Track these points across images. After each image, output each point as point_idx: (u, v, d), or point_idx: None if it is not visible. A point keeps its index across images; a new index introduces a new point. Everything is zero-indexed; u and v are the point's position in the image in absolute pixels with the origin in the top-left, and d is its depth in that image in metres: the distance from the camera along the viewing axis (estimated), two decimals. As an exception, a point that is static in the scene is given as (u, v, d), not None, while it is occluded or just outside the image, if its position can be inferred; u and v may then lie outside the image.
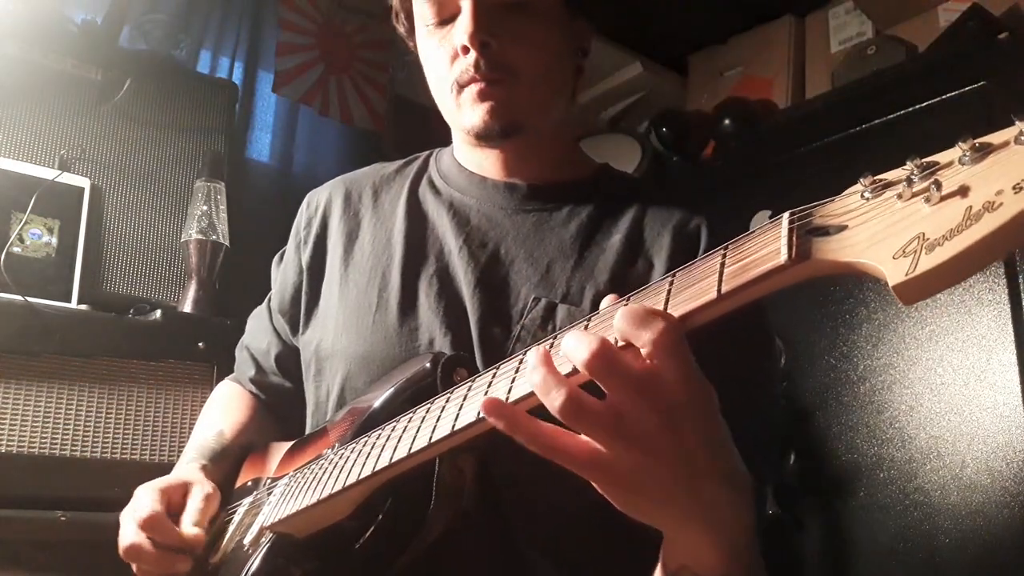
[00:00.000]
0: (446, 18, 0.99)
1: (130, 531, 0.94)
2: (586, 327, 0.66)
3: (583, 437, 0.59)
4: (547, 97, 1.02)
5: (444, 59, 0.99)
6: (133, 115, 1.87)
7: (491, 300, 0.97)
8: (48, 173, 1.71)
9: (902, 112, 1.77)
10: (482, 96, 0.96)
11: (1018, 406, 1.50)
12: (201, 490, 0.99)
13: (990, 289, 1.58)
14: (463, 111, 0.99)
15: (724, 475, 0.61)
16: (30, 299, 1.55)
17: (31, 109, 1.75)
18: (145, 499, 0.95)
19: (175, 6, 2.18)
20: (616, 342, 0.59)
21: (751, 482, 0.64)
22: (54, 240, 1.70)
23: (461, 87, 0.98)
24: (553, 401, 0.58)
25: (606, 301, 0.65)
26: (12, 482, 1.48)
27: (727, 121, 2.17)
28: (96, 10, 1.94)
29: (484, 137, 0.99)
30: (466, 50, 0.95)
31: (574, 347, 0.58)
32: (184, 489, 0.99)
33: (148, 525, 0.92)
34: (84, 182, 1.77)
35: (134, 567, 0.95)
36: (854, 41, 2.23)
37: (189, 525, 0.94)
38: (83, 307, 1.68)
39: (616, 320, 0.58)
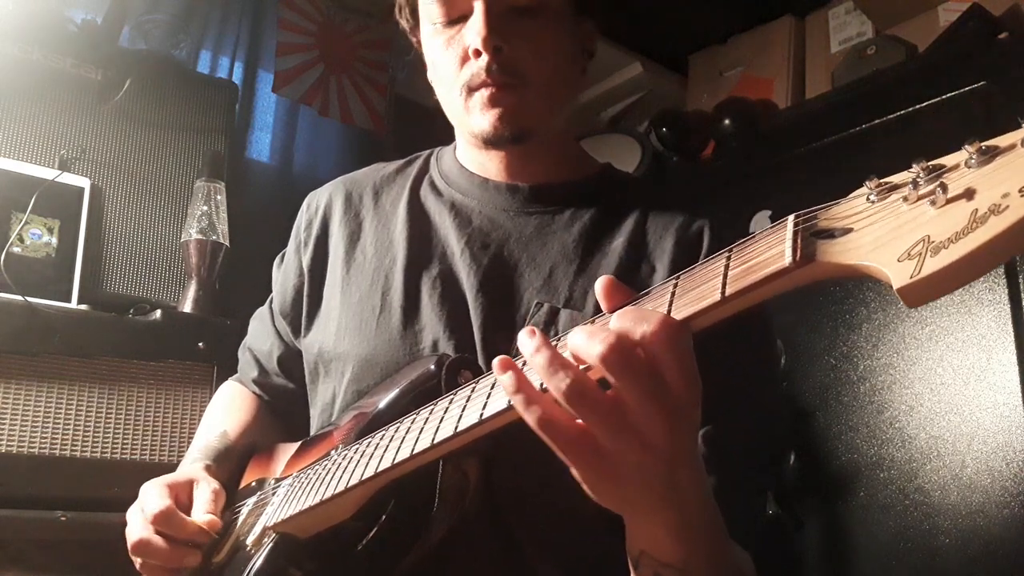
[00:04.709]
0: (455, 18, 0.98)
1: (139, 526, 0.93)
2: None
3: (579, 421, 0.59)
4: (556, 101, 1.02)
5: (452, 61, 0.98)
6: (133, 115, 1.86)
7: (493, 305, 0.97)
8: (48, 173, 1.71)
9: (902, 112, 1.77)
10: (493, 101, 0.95)
11: (1018, 406, 1.50)
12: (208, 485, 0.99)
13: (990, 289, 1.58)
14: (472, 115, 0.97)
15: (693, 458, 0.62)
16: (30, 299, 1.55)
17: (31, 109, 1.75)
18: (154, 495, 0.95)
19: (175, 6, 2.17)
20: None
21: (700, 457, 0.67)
22: (54, 240, 1.70)
23: (471, 91, 0.96)
24: (559, 383, 0.58)
25: (599, 284, 0.64)
26: (12, 482, 1.48)
27: (727, 121, 2.17)
28: (96, 10, 1.94)
29: (492, 143, 0.99)
30: (478, 54, 0.94)
31: (585, 342, 0.58)
32: (190, 486, 0.99)
33: (160, 519, 0.92)
34: (84, 182, 1.77)
35: (139, 563, 0.95)
36: (854, 41, 2.23)
37: (201, 515, 0.94)
38: (83, 307, 1.68)
39: (616, 319, 0.58)
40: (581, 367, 0.60)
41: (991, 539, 1.50)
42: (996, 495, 1.51)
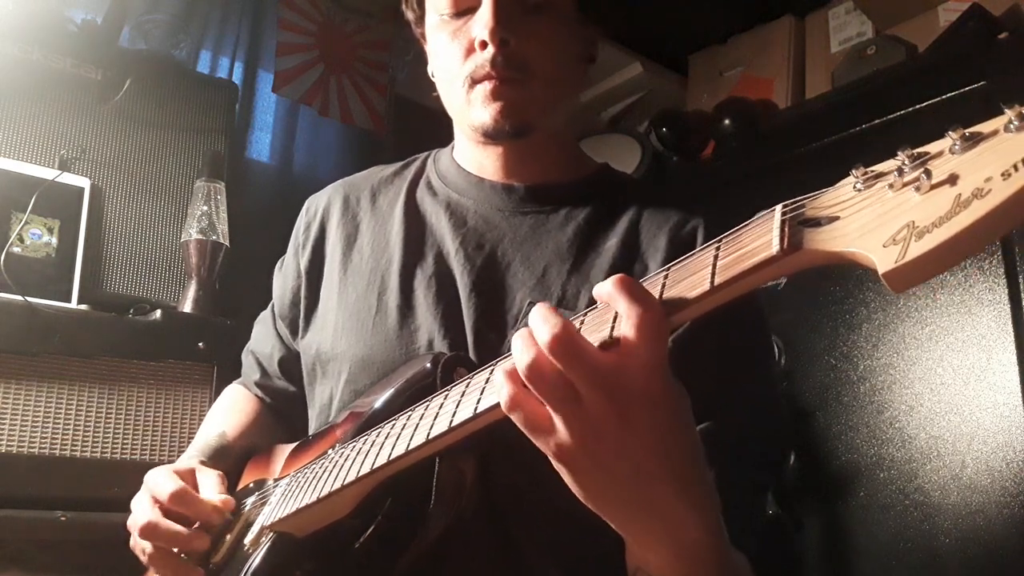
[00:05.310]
0: (462, 10, 0.98)
1: (146, 509, 0.93)
2: (581, 322, 0.66)
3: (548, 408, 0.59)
4: (557, 99, 1.02)
5: (457, 52, 0.98)
6: (133, 115, 1.87)
7: (486, 304, 0.97)
8: (48, 173, 1.71)
9: (902, 112, 1.77)
10: (495, 94, 0.96)
11: (1018, 406, 1.50)
12: (211, 471, 0.99)
13: (990, 289, 1.58)
14: (473, 108, 0.98)
15: (676, 477, 0.60)
16: (30, 299, 1.55)
17: (31, 109, 1.75)
18: (164, 478, 0.95)
19: (175, 6, 2.18)
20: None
21: (711, 484, 0.64)
22: (54, 240, 1.70)
23: (474, 82, 0.97)
24: (522, 358, 0.58)
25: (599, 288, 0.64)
26: (12, 482, 1.48)
27: (727, 121, 2.17)
28: (96, 10, 1.94)
29: (492, 136, 0.99)
30: (484, 45, 0.95)
31: (538, 324, 0.58)
32: (192, 473, 0.99)
33: (175, 499, 0.92)
34: (84, 182, 1.77)
35: (144, 552, 0.94)
36: (854, 41, 2.23)
37: (214, 495, 0.95)
38: (83, 307, 1.68)
39: (610, 284, 0.58)
40: None
41: (991, 539, 1.50)
42: (996, 495, 1.51)
